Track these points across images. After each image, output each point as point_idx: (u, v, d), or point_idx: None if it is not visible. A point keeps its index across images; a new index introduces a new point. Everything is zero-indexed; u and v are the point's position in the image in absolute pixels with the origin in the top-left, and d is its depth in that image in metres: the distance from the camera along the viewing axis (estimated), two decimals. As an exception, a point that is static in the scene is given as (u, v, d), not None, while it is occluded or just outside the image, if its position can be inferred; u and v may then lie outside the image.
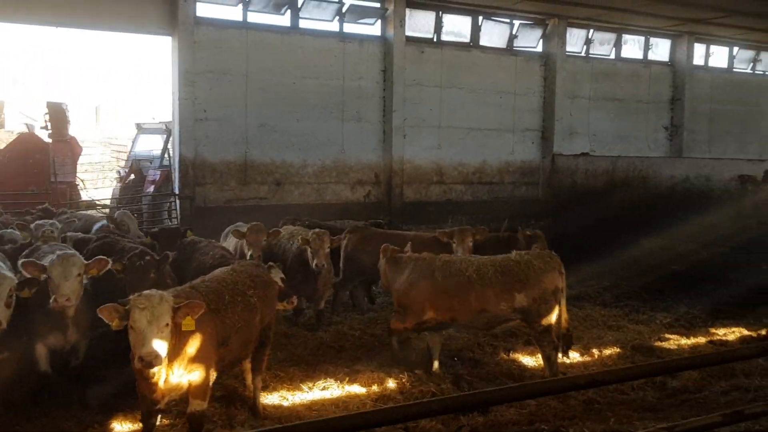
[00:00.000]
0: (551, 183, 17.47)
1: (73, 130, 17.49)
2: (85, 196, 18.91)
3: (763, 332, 8.61)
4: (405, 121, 16.54)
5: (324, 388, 6.49)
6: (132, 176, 17.41)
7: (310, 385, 6.53)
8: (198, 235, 8.68)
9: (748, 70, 23.40)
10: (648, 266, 12.16)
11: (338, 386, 6.54)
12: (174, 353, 4.60)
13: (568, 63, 18.96)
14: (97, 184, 25.48)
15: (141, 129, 19.07)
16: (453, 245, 8.59)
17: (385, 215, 15.23)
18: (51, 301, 5.58)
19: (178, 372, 4.71)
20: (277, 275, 6.19)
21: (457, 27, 17.62)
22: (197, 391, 4.86)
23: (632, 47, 20.75)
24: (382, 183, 16.52)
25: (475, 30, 17.70)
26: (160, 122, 18.18)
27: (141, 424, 5.04)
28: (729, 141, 22.70)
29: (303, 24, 15.56)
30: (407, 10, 16.36)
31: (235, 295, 5.32)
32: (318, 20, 15.80)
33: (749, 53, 23.10)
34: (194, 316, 4.60)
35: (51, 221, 8.62)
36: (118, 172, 19.97)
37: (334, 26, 15.99)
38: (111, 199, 17.63)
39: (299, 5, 15.32)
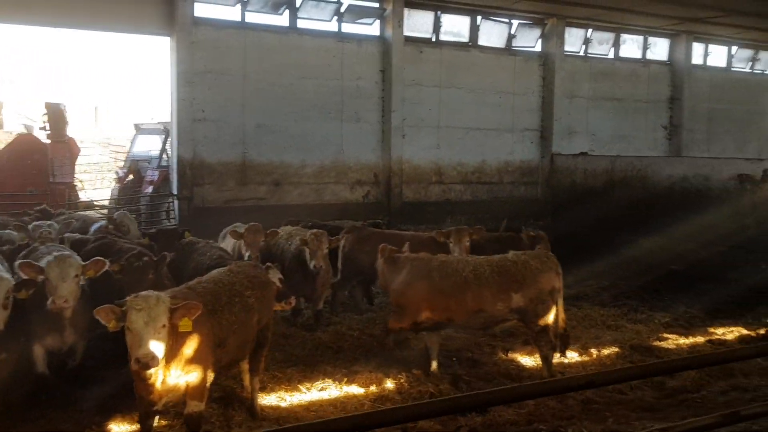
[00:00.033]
0: (550, 183, 17.45)
1: (71, 131, 17.46)
2: (83, 196, 18.92)
3: (762, 332, 8.60)
4: (404, 121, 16.54)
5: (322, 389, 6.47)
6: (130, 177, 17.41)
7: (308, 385, 6.52)
8: (196, 236, 8.66)
9: (747, 69, 23.43)
10: (647, 266, 12.13)
11: (336, 387, 6.52)
12: (171, 354, 4.60)
13: (567, 63, 18.97)
14: (95, 184, 25.50)
15: (139, 129, 19.09)
16: (450, 245, 8.57)
17: (385, 215, 15.21)
18: (48, 302, 5.57)
19: (176, 373, 4.70)
20: (275, 276, 6.17)
21: (455, 27, 17.63)
22: (194, 392, 4.85)
23: (631, 47, 20.77)
24: (381, 183, 16.51)
25: (474, 30, 17.71)
26: (159, 123, 18.19)
27: (138, 426, 5.04)
28: (728, 140, 22.72)
29: (301, 24, 15.57)
30: (406, 10, 16.36)
31: (233, 296, 5.30)
32: (316, 20, 15.82)
33: (748, 52, 23.11)
34: (191, 317, 4.60)
35: (49, 222, 8.63)
36: (117, 172, 19.97)
37: (332, 26, 16.00)
38: (109, 199, 17.63)
39: (297, 5, 15.32)
